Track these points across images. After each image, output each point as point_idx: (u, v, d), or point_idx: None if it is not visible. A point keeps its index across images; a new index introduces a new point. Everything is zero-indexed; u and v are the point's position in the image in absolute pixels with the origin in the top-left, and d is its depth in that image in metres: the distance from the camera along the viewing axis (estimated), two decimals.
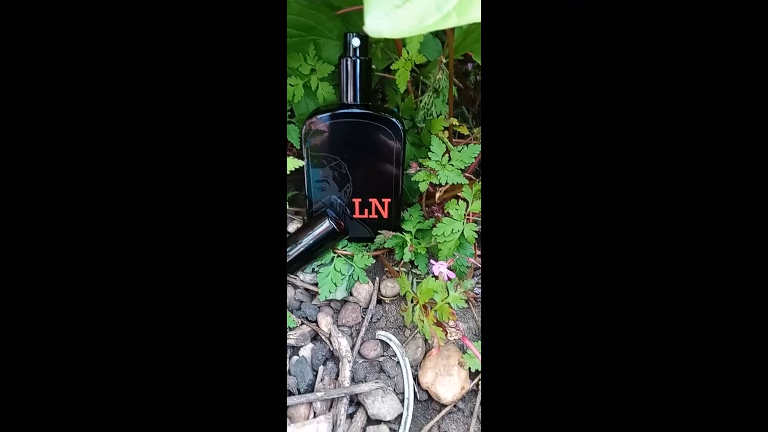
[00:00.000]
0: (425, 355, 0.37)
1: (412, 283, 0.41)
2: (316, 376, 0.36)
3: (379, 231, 0.41)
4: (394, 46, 0.39)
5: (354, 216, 0.41)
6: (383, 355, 0.38)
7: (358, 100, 0.37)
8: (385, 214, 0.41)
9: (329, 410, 0.34)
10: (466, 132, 0.41)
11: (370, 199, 0.40)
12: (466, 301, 0.36)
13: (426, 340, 0.38)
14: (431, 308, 0.31)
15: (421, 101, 0.40)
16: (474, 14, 0.19)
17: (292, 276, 0.41)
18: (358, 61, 0.36)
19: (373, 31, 0.20)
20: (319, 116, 0.37)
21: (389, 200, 0.40)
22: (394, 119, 0.37)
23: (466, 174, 0.38)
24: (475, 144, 0.37)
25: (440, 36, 0.40)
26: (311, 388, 0.35)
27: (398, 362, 0.37)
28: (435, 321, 0.31)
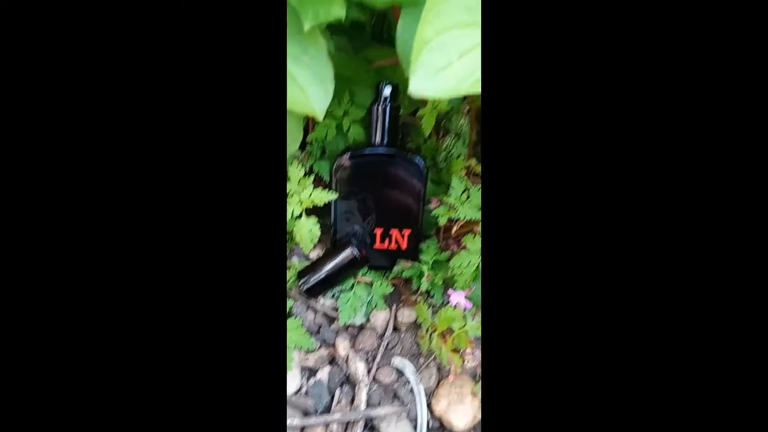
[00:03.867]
0: (438, 383, 0.39)
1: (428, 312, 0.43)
2: (332, 398, 0.37)
3: (397, 261, 0.43)
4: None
5: (375, 246, 0.44)
6: (398, 382, 0.39)
7: (386, 140, 0.41)
8: (404, 245, 0.44)
9: None
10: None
11: (391, 231, 0.43)
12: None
13: (440, 369, 0.40)
14: (449, 336, 0.33)
15: (443, 143, 0.44)
16: None
17: (313, 300, 0.43)
18: (388, 107, 0.40)
19: (416, 93, 0.23)
20: (350, 153, 0.41)
21: (409, 232, 0.43)
22: (418, 158, 0.41)
23: None
24: None
25: None
26: (328, 410, 0.36)
27: (412, 389, 0.38)
28: (452, 348, 0.32)
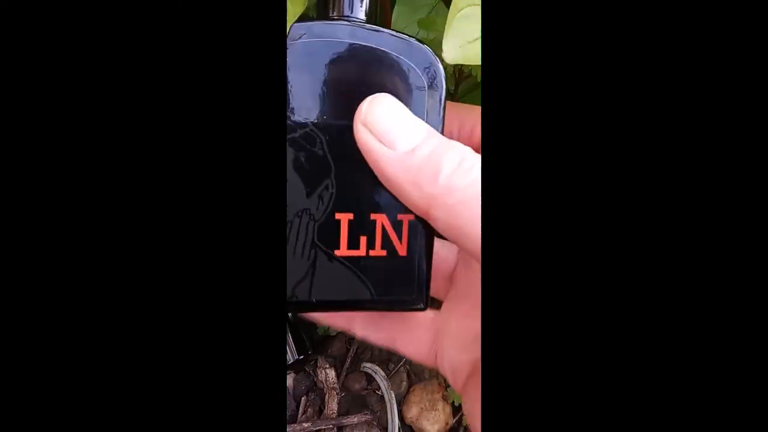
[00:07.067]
0: (409, 389, 0.37)
1: None
2: (298, 406, 0.33)
3: None
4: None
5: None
6: (367, 389, 0.36)
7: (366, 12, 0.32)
8: None
9: None
10: None
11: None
12: None
13: (409, 375, 0.38)
14: None
15: None
16: None
17: None
18: None
19: (449, 58, 0.23)
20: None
21: None
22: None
23: None
24: None
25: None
26: (293, 419, 0.32)
27: (382, 396, 0.36)
28: None
